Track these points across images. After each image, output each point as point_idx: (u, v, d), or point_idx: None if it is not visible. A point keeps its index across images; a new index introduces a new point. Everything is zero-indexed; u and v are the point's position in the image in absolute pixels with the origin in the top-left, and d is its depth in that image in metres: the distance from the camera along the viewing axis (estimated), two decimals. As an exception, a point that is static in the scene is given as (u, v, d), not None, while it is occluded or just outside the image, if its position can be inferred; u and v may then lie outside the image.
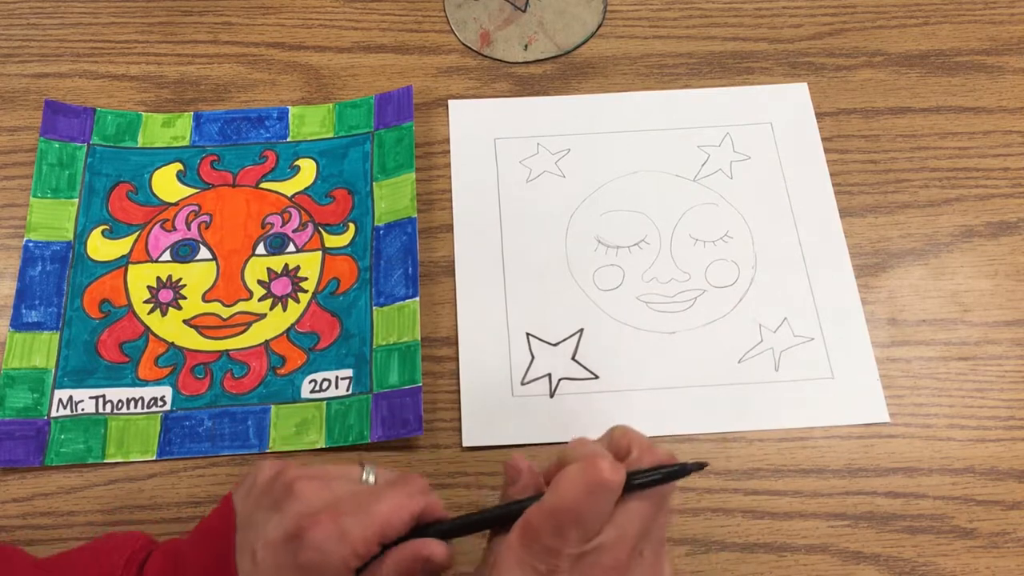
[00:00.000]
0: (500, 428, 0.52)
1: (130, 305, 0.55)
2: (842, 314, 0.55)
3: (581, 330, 0.55)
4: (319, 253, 0.57)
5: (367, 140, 0.61)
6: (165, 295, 0.56)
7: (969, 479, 0.51)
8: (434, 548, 0.37)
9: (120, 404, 0.52)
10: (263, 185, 0.59)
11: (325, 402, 0.53)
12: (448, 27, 0.66)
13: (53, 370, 0.53)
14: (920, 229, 0.58)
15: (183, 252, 0.57)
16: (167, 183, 0.59)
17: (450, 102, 0.63)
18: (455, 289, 0.56)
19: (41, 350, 0.54)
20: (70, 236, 0.57)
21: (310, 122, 0.62)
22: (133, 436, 0.52)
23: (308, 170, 0.60)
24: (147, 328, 0.55)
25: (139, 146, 0.61)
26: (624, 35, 0.66)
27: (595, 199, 0.59)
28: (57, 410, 0.52)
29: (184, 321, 0.55)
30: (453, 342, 0.55)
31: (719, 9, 0.67)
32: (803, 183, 0.60)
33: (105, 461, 0.51)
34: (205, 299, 0.56)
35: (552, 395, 0.53)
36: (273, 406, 0.52)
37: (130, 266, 0.57)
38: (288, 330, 0.55)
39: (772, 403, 0.53)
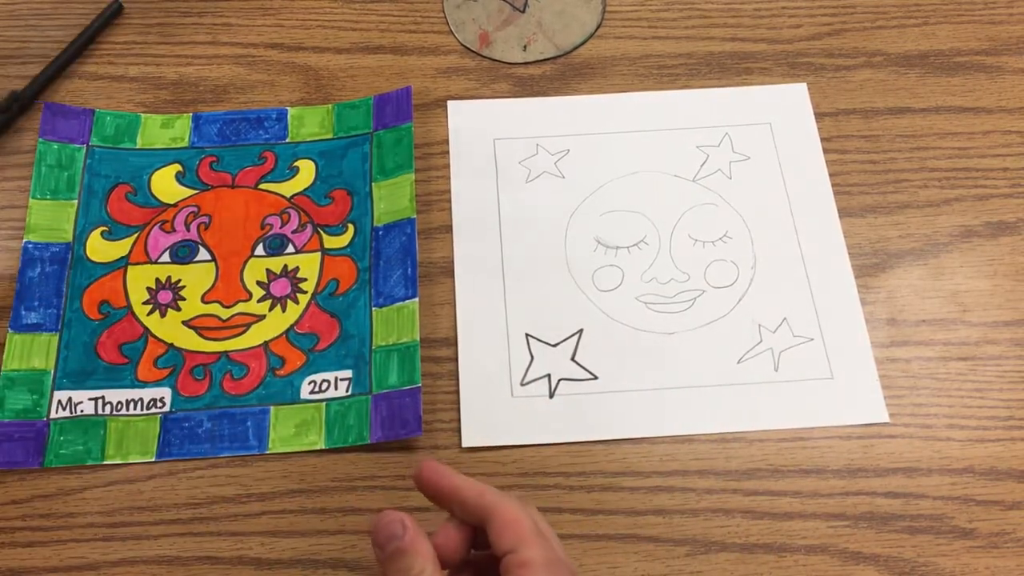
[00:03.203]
0: (499, 429, 0.52)
1: (129, 306, 0.55)
2: (841, 314, 0.55)
3: (580, 331, 0.55)
4: (318, 254, 0.57)
5: (366, 141, 0.61)
6: (164, 296, 0.56)
7: (968, 479, 0.51)
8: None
9: (119, 405, 0.52)
10: (262, 186, 0.59)
11: (324, 403, 0.53)
12: (447, 28, 0.66)
13: (52, 371, 0.53)
14: (919, 229, 0.58)
15: (182, 253, 0.57)
16: (166, 184, 0.59)
17: (449, 103, 0.63)
18: (454, 290, 0.56)
19: (40, 351, 0.54)
20: (69, 237, 0.57)
21: (309, 123, 0.62)
22: (132, 437, 0.52)
23: (307, 171, 0.60)
24: (146, 329, 0.55)
25: (138, 147, 0.61)
26: (623, 35, 0.66)
27: (594, 200, 0.59)
28: (56, 411, 0.52)
29: (183, 322, 0.55)
30: (452, 343, 0.55)
31: (718, 10, 0.67)
32: (802, 183, 0.60)
33: (104, 463, 0.51)
34: (204, 300, 0.56)
35: (551, 396, 0.53)
36: (272, 407, 0.52)
37: (129, 267, 0.57)
38: (287, 331, 0.55)
39: (771, 403, 0.53)
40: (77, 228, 0.58)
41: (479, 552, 0.40)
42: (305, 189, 0.59)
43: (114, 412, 0.52)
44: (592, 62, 0.65)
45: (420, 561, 0.36)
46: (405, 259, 0.56)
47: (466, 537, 0.39)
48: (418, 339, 0.53)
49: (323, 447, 0.51)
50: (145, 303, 0.55)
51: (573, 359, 0.54)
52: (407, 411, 0.51)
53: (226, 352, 0.54)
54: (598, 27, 0.66)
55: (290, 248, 0.57)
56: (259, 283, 0.56)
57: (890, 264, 0.57)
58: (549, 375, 0.54)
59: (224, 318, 0.55)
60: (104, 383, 0.53)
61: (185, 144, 0.61)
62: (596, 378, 0.53)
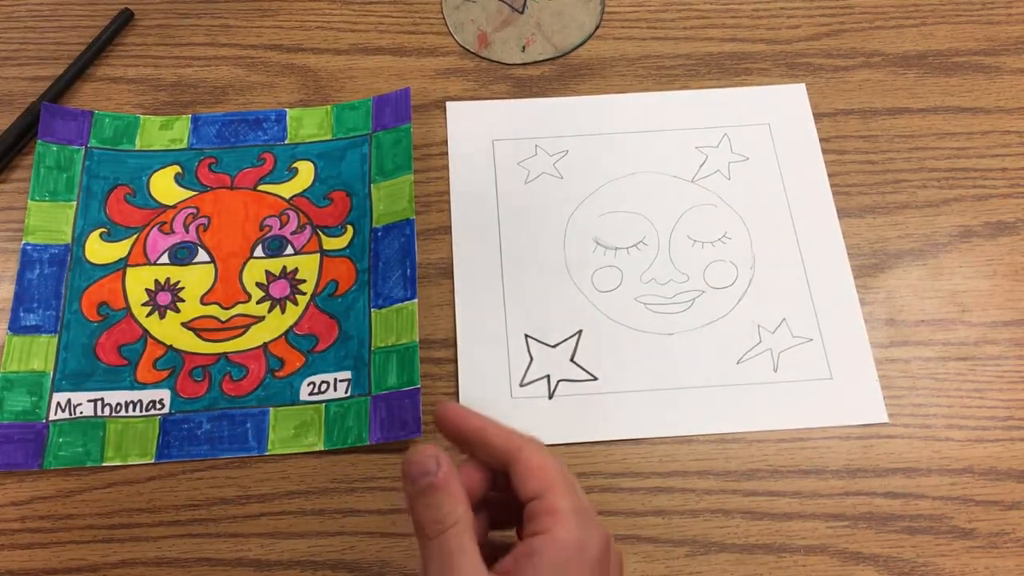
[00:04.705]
0: (499, 430, 0.52)
1: (128, 308, 0.55)
2: (840, 315, 0.55)
3: (580, 331, 0.55)
4: (317, 255, 0.57)
5: (365, 142, 0.61)
6: (163, 298, 0.56)
7: (968, 479, 0.51)
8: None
9: (119, 407, 0.52)
10: (261, 187, 0.59)
11: (324, 404, 0.53)
12: (446, 29, 0.66)
13: (51, 373, 0.53)
14: (918, 229, 0.58)
15: (181, 255, 0.57)
16: (165, 186, 0.59)
17: (448, 104, 0.63)
18: (453, 291, 0.56)
19: (39, 353, 0.54)
20: (68, 239, 0.57)
21: (308, 124, 0.62)
22: (131, 439, 0.51)
23: (306, 172, 0.60)
24: (145, 331, 0.55)
25: (137, 149, 0.61)
26: (622, 36, 0.66)
27: (593, 200, 0.59)
28: (56, 413, 0.52)
29: (182, 324, 0.55)
30: (451, 344, 0.55)
31: (717, 10, 0.67)
32: (801, 184, 0.60)
33: (103, 464, 0.51)
34: (203, 302, 0.56)
35: (551, 396, 0.53)
36: (272, 408, 0.52)
37: (128, 269, 0.57)
38: (286, 332, 0.55)
39: (771, 404, 0.53)
40: (76, 229, 0.58)
41: (496, 494, 0.38)
42: (304, 190, 0.59)
43: (113, 414, 0.52)
44: (591, 63, 0.65)
45: (451, 501, 0.35)
46: (404, 260, 0.56)
47: (485, 478, 0.38)
48: (417, 340, 0.53)
49: (322, 448, 0.51)
50: (144, 304, 0.55)
51: (572, 360, 0.54)
52: (406, 412, 0.51)
53: (225, 354, 0.54)
54: (597, 28, 0.66)
55: (289, 249, 0.57)
56: (258, 284, 0.56)
57: (889, 264, 0.57)
58: (548, 376, 0.54)
59: (223, 319, 0.55)
60: (103, 385, 0.53)
61: (184, 145, 0.61)
62: (595, 379, 0.53)
